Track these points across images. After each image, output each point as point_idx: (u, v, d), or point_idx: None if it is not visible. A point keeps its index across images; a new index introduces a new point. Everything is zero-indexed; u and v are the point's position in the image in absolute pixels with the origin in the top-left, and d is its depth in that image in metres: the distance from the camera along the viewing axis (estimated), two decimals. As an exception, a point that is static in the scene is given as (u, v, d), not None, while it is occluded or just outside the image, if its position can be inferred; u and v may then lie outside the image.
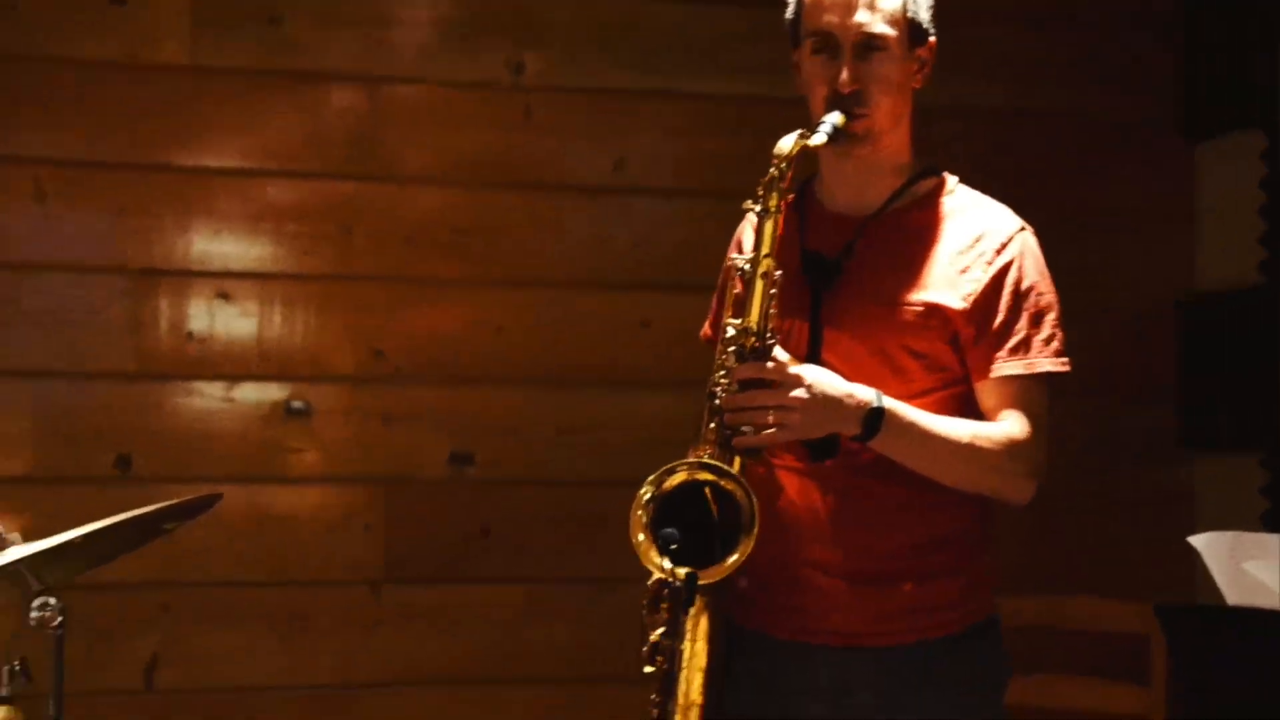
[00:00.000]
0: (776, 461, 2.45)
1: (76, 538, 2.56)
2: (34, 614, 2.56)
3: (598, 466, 3.79)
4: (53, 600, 2.56)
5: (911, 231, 2.51)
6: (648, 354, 3.83)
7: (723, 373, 2.40)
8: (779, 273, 2.41)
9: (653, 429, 3.71)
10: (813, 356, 2.44)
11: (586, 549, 3.79)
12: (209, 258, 3.68)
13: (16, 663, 2.83)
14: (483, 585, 3.80)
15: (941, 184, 2.56)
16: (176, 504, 2.73)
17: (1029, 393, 2.46)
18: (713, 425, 2.39)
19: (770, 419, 2.36)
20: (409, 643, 3.75)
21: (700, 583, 2.27)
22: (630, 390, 3.83)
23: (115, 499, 2.75)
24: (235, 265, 3.69)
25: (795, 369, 2.38)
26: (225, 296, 3.68)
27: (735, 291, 2.43)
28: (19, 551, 2.55)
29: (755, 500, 2.33)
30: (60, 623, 2.57)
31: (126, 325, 3.62)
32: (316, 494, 3.72)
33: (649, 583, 2.41)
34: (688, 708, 2.39)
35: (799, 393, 2.36)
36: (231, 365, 3.67)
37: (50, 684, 2.60)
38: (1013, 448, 2.44)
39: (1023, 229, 2.53)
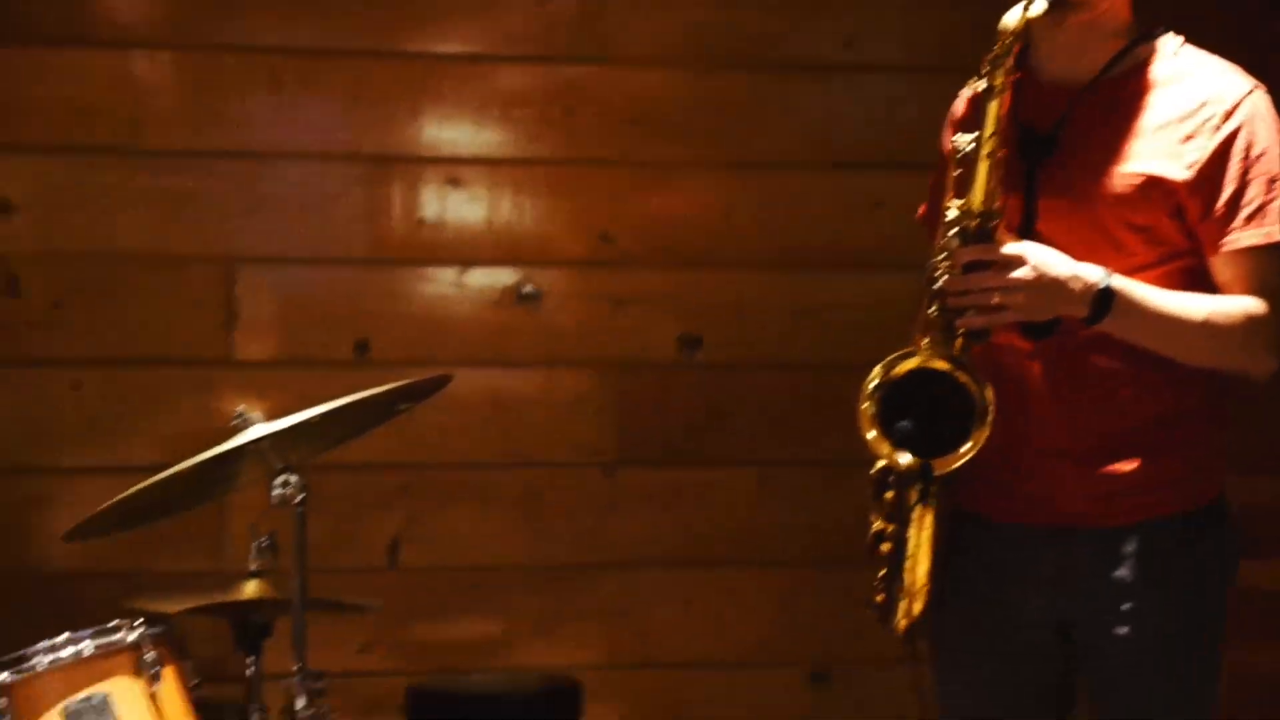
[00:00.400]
0: (995, 340, 2.44)
1: (313, 417, 2.71)
2: (276, 491, 2.72)
3: (829, 349, 3.84)
4: (294, 478, 2.72)
5: (1130, 98, 2.45)
6: (880, 235, 3.85)
7: (944, 255, 2.40)
8: (1003, 153, 2.39)
9: (885, 311, 3.68)
10: (1026, 233, 2.42)
11: (819, 432, 3.84)
12: (439, 144, 3.79)
13: (265, 539, 3.02)
14: (715, 468, 3.89)
15: (1165, 46, 2.49)
16: (407, 385, 2.86)
17: (1268, 263, 2.41)
18: (934, 309, 2.41)
19: (995, 301, 2.36)
20: (642, 524, 3.86)
21: (933, 474, 2.32)
22: (862, 271, 3.85)
23: (355, 382, 2.87)
24: (464, 151, 3.80)
25: (1019, 249, 2.37)
26: (455, 182, 3.80)
27: (956, 173, 2.41)
28: (261, 430, 2.71)
29: (988, 390, 2.34)
30: (302, 500, 2.72)
31: (361, 212, 3.76)
32: (548, 377, 3.84)
33: (872, 471, 2.45)
34: (913, 594, 2.44)
35: (1023, 273, 2.35)
36: (463, 251, 3.79)
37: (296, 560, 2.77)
38: (1251, 323, 2.40)
39: (1253, 90, 2.45)
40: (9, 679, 2.48)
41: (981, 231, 2.38)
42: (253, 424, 2.74)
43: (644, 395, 3.86)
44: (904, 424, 2.33)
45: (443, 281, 3.80)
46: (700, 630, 3.88)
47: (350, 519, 3.74)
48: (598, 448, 3.85)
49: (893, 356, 2.40)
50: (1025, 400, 2.46)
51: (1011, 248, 2.37)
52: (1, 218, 3.62)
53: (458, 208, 3.80)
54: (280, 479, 2.72)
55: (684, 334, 3.87)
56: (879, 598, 2.47)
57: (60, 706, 2.51)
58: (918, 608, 2.45)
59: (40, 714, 2.50)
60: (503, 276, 3.82)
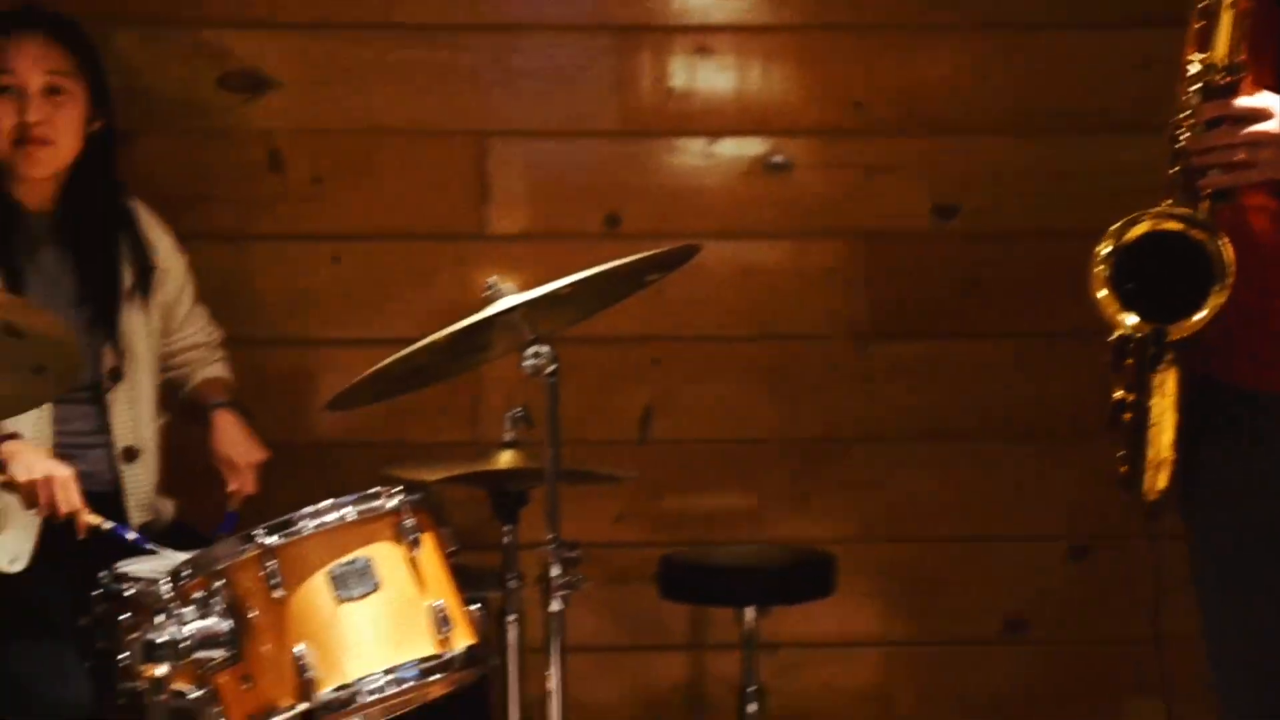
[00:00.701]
0: (1243, 201, 2.38)
1: (563, 287, 2.78)
2: (528, 362, 2.80)
3: (1090, 216, 3.68)
4: (545, 349, 2.80)
5: None
6: (1145, 97, 3.73)
7: (1187, 113, 2.35)
8: (1247, 3, 2.32)
9: (1149, 175, 3.63)
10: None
11: (1079, 302, 3.76)
12: (688, 12, 3.81)
13: (519, 410, 3.13)
14: (971, 340, 3.89)
15: None
16: (655, 255, 2.90)
17: None
18: (1176, 169, 2.37)
19: (1239, 158, 2.31)
20: (895, 398, 3.88)
21: (1168, 339, 2.29)
22: (1126, 134, 3.76)
23: (605, 254, 2.91)
24: (714, 19, 3.81)
25: (1264, 101, 2.31)
26: (704, 51, 3.82)
27: (1198, 25, 2.36)
28: (511, 300, 2.80)
29: (1227, 249, 2.31)
30: (554, 370, 2.81)
31: (610, 83, 3.81)
32: (799, 249, 3.86)
33: (1110, 338, 2.43)
34: (1158, 465, 2.41)
35: (1270, 127, 2.29)
36: (712, 121, 3.82)
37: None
38: None
39: None
40: (277, 542, 2.61)
41: (1226, 87, 2.33)
42: (504, 295, 2.82)
43: (897, 266, 3.87)
44: (1134, 287, 2.31)
45: (692, 152, 3.84)
46: (955, 504, 3.90)
47: (602, 391, 3.83)
48: (849, 320, 3.87)
49: (1125, 220, 2.37)
50: (1275, 263, 2.41)
51: (1257, 99, 2.31)
52: (264, 94, 3.77)
53: (707, 77, 3.82)
54: (531, 350, 2.80)
55: (938, 203, 3.85)
56: (1123, 469, 2.46)
57: (325, 569, 2.63)
58: (1163, 480, 2.43)
59: (306, 576, 2.62)
60: (752, 146, 3.84)
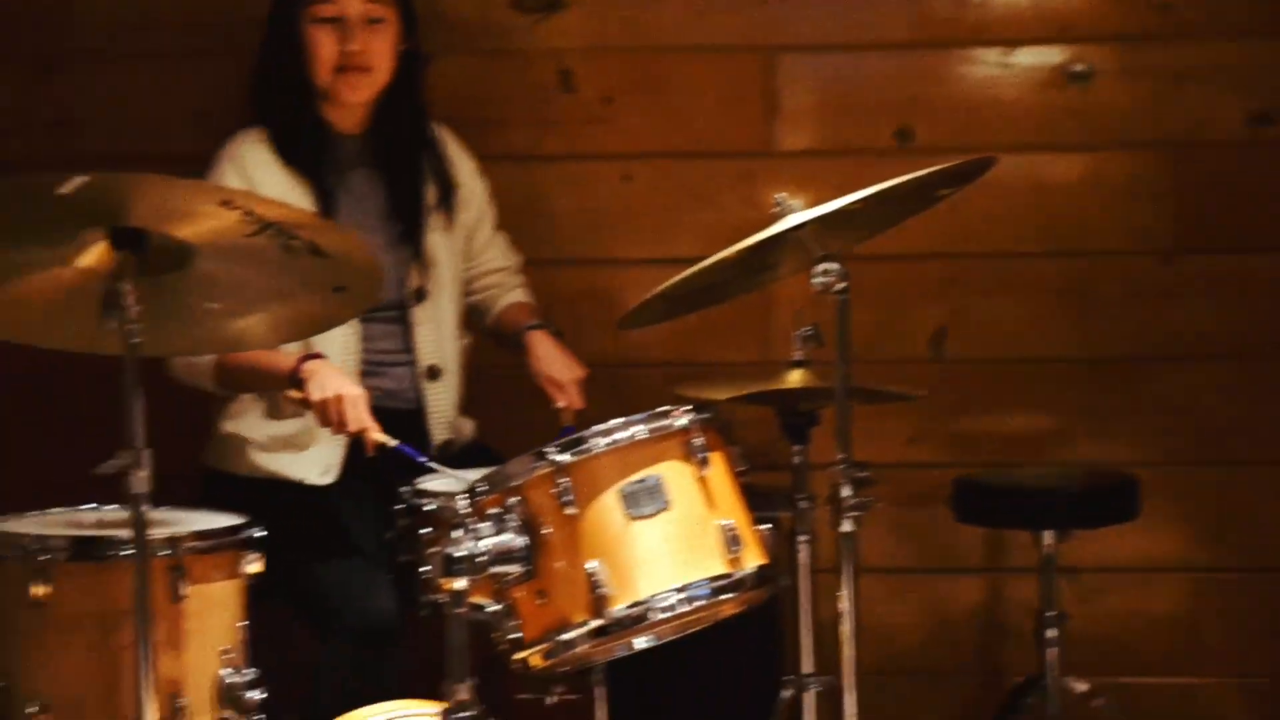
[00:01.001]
0: None
1: (853, 203, 2.77)
2: (817, 279, 2.80)
3: None
4: (835, 266, 2.80)
5: None
6: None
7: None
8: None
9: None
10: None
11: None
12: (983, -85, 3.77)
13: (809, 328, 3.14)
14: (1281, 254, 3.78)
15: None
16: (948, 168, 2.86)
17: None
18: None
19: None
20: (1201, 314, 3.79)
21: None
22: None
23: (897, 170, 2.87)
24: (1010, -79, 3.76)
25: None
26: (998, -45, 3.77)
27: None
28: (800, 217, 2.80)
29: None
30: (844, 288, 2.81)
31: (903, -7, 3.80)
32: (1100, 161, 3.79)
33: None
34: None
35: None
36: (1009, 29, 3.77)
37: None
38: None
39: None
40: (568, 460, 2.66)
41: None
42: (793, 212, 2.82)
43: (1206, 178, 3.77)
44: None
45: (987, 63, 3.78)
46: (1266, 427, 3.81)
47: (894, 309, 3.82)
48: (1153, 234, 3.78)
49: None
50: None
51: None
52: (555, 14, 3.82)
53: (1004, -17, 3.77)
54: (821, 267, 2.80)
55: (1253, 110, 3.74)
56: None
57: (616, 487, 2.67)
58: None
59: (597, 494, 2.66)
60: (1051, 55, 3.77)
